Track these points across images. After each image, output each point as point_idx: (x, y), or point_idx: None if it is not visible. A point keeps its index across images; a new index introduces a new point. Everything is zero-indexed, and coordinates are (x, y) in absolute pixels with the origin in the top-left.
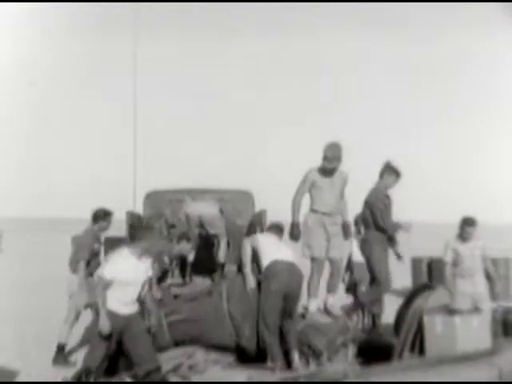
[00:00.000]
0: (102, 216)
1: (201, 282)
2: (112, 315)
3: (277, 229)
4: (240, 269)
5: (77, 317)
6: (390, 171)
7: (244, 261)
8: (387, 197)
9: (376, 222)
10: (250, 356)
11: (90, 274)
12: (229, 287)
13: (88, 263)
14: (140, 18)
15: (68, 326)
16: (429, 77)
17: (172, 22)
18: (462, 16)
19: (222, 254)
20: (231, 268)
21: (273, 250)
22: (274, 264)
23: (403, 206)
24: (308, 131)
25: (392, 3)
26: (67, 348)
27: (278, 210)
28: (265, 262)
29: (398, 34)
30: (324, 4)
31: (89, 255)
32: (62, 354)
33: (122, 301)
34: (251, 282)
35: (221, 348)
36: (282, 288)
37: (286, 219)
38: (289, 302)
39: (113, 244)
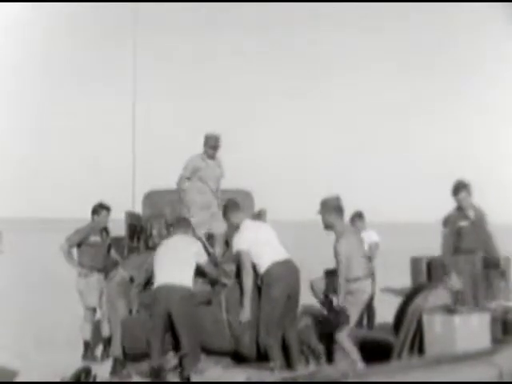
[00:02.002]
0: (96, 210)
1: (201, 283)
2: None
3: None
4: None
5: (93, 314)
6: (456, 188)
7: (246, 288)
8: (464, 217)
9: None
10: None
11: (90, 268)
12: (228, 297)
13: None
14: (139, 19)
15: (87, 324)
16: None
17: (171, 23)
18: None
19: None
20: (230, 268)
21: (267, 249)
22: (274, 268)
23: (406, 206)
24: (308, 131)
25: (393, 3)
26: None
27: (279, 210)
28: (262, 264)
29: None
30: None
31: (78, 241)
32: (88, 351)
33: None
34: (246, 313)
35: (220, 354)
36: (285, 292)
37: (286, 219)
38: (291, 301)
39: (113, 244)
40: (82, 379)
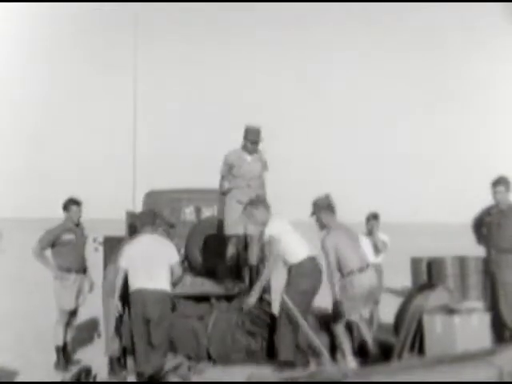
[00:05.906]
0: (66, 205)
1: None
2: None
3: (266, 204)
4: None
5: (68, 317)
6: (495, 183)
7: (263, 275)
8: (489, 214)
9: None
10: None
11: (67, 269)
12: (215, 322)
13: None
14: (140, 21)
15: (61, 328)
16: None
17: (171, 24)
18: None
19: None
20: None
21: (301, 241)
22: (307, 261)
23: (404, 206)
24: (306, 131)
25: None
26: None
27: (278, 210)
28: (295, 253)
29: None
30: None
31: (50, 241)
32: (60, 358)
33: None
34: (253, 299)
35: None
36: (312, 287)
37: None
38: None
39: (113, 244)
40: (82, 379)
